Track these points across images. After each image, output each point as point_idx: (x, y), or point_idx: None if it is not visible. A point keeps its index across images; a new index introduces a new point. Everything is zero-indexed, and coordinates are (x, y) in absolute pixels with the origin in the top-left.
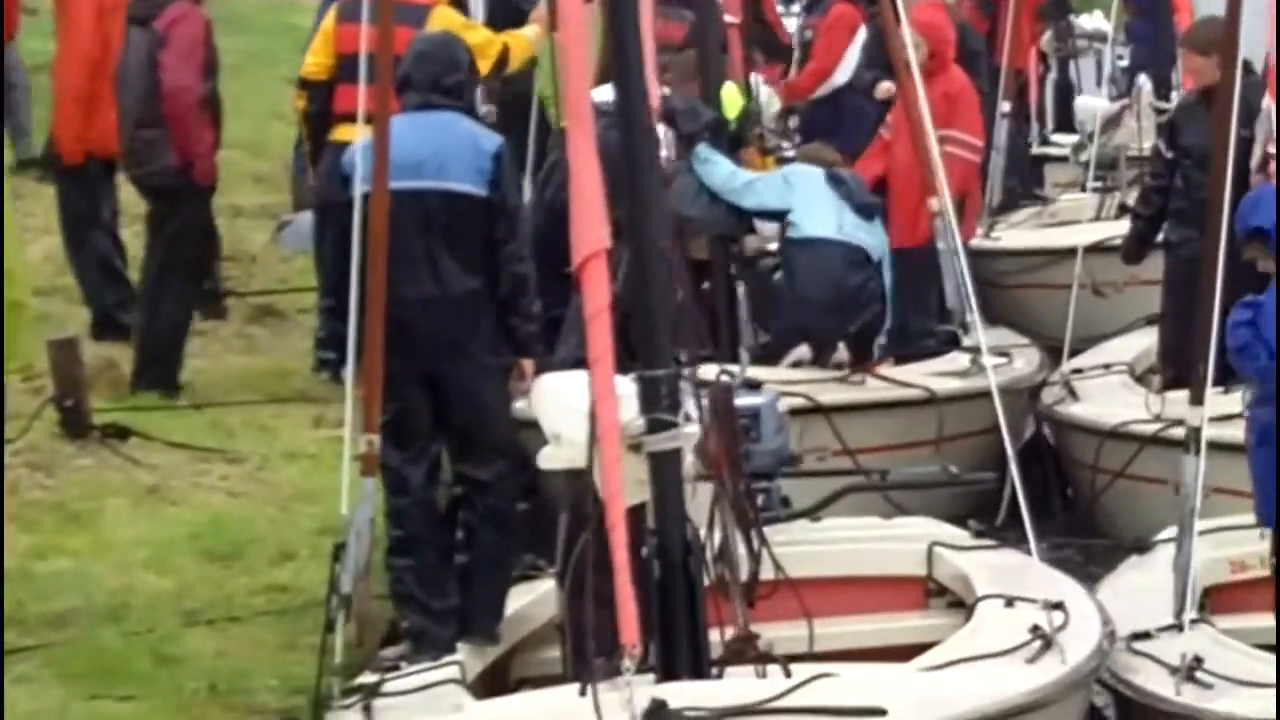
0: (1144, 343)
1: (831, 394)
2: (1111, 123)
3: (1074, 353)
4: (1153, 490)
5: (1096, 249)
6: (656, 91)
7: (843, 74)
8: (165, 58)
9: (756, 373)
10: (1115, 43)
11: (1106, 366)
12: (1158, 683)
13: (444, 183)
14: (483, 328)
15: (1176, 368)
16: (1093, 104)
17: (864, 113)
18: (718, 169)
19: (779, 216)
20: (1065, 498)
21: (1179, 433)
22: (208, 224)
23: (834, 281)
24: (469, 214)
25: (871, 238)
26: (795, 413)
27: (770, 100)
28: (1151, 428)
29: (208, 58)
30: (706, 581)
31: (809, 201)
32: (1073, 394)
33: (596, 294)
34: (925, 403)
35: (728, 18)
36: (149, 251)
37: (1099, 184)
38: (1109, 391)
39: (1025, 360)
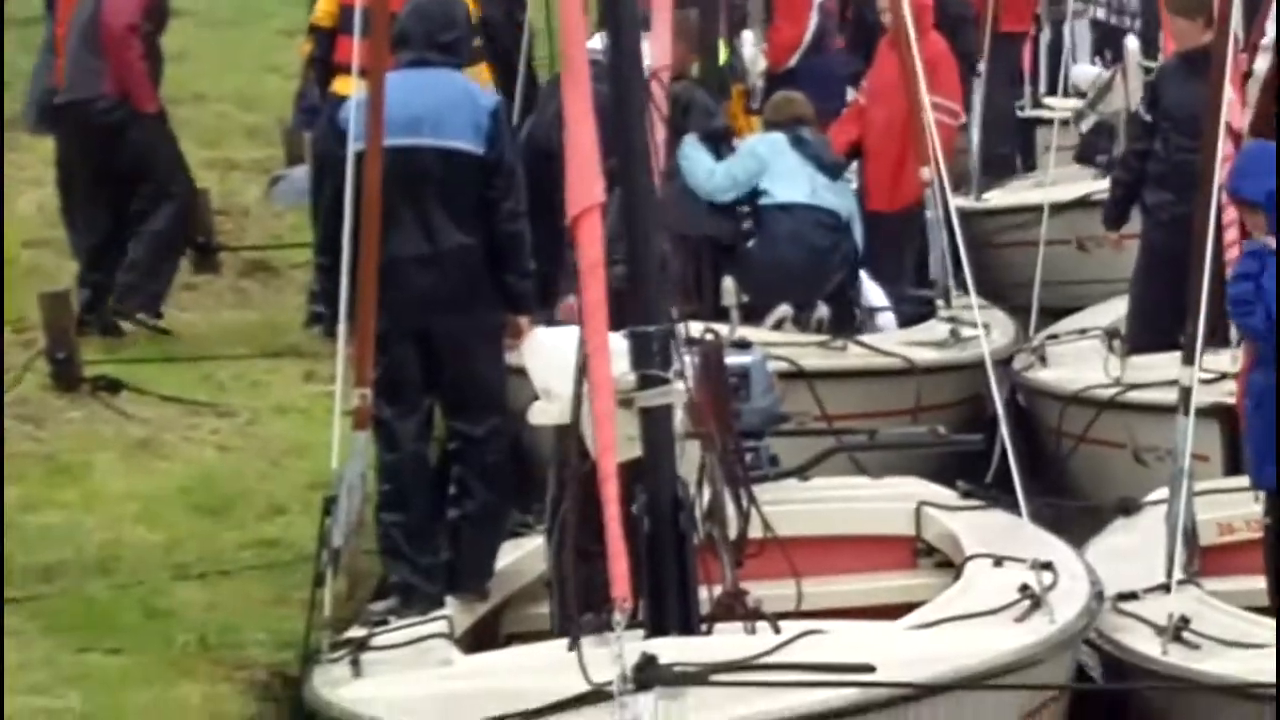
0: (1124, 308)
1: (813, 359)
2: (1105, 88)
3: (1054, 311)
4: (1112, 454)
5: (1080, 204)
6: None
7: (807, 34)
8: None
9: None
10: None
11: (1082, 331)
12: (1145, 642)
13: (441, 140)
14: (476, 285)
15: (1148, 331)
16: (1089, 71)
17: (830, 71)
18: (697, 168)
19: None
20: (1034, 462)
21: (1136, 396)
22: (163, 148)
23: (808, 245)
24: (465, 171)
25: (840, 199)
26: (778, 376)
27: (756, 57)
28: (1110, 392)
29: (153, 3)
30: (696, 539)
31: (778, 168)
32: (1043, 360)
33: (591, 248)
34: (904, 372)
35: None
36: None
37: (1103, 157)
38: (1080, 357)
39: (1001, 330)
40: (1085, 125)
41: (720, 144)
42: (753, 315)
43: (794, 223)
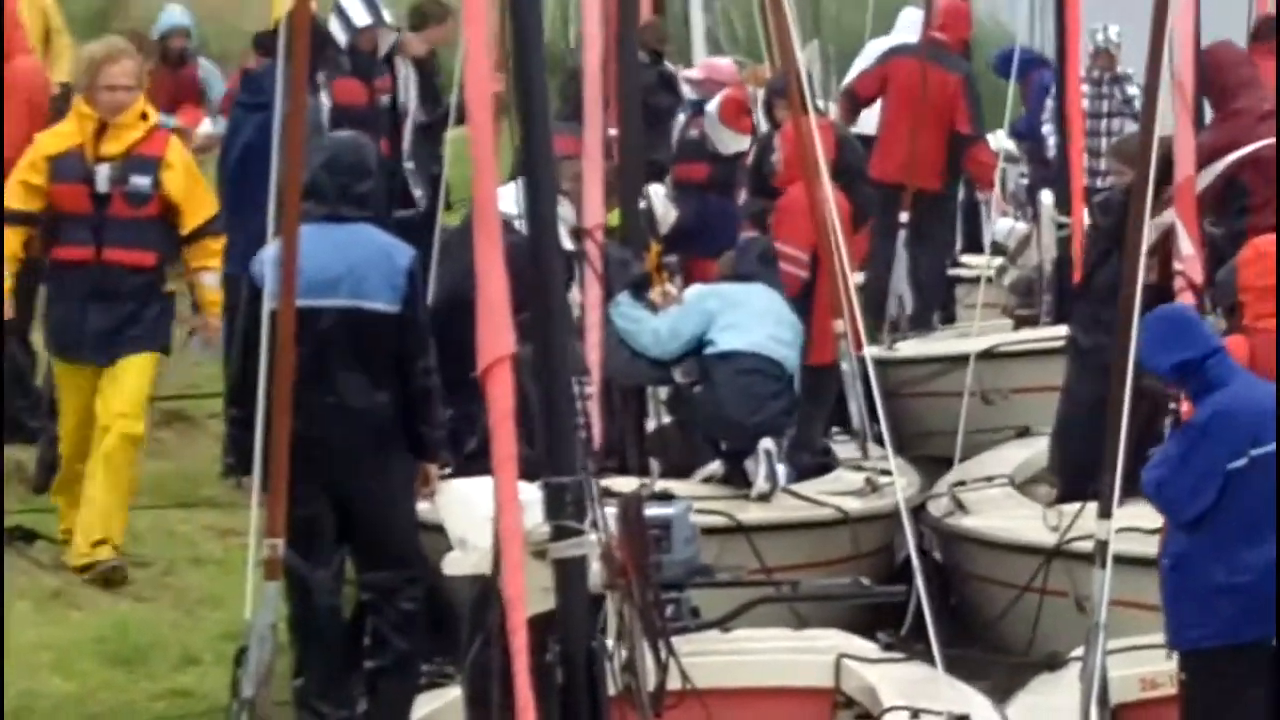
0: (1022, 454)
1: (750, 513)
2: (1024, 243)
3: (946, 460)
4: (1053, 602)
5: (983, 356)
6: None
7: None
8: None
9: (671, 486)
10: (1018, 160)
11: (989, 479)
12: None
13: (359, 301)
14: (388, 439)
15: (1084, 478)
16: (1017, 225)
17: (728, 213)
18: (641, 333)
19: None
20: (952, 611)
21: (1081, 545)
22: None
23: (751, 394)
24: (381, 330)
25: (789, 350)
26: (715, 530)
27: (667, 210)
28: (1052, 540)
29: None
30: (613, 691)
31: (735, 317)
32: (961, 507)
33: (501, 399)
34: (839, 523)
35: (611, 130)
36: None
37: (1023, 311)
38: (997, 503)
39: (908, 479)
40: (1008, 279)
41: (645, 291)
42: (677, 471)
43: (738, 372)
